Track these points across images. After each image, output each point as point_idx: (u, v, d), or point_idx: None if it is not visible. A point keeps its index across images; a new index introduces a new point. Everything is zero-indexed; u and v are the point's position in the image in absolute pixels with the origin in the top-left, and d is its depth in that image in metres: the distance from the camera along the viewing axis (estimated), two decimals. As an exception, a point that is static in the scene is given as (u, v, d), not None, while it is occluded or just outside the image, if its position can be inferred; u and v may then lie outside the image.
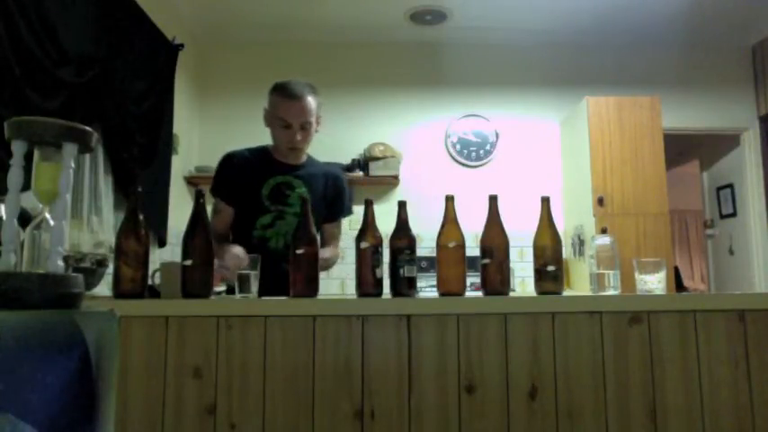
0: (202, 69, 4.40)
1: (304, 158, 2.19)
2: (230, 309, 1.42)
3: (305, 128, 2.05)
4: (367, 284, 1.50)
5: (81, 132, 0.89)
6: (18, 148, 0.87)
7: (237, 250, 1.84)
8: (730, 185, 4.71)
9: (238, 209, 2.12)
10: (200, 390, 1.38)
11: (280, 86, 2.06)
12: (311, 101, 2.05)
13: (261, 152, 2.17)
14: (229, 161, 2.15)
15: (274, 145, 2.16)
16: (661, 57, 4.50)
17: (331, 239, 2.24)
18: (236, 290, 1.57)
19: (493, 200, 1.56)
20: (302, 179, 2.14)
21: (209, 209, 1.51)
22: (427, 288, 3.19)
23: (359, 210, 1.74)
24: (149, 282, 1.49)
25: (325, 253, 2.08)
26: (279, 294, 1.57)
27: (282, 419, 1.38)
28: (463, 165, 4.44)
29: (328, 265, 2.17)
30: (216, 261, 1.53)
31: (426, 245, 3.17)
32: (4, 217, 0.89)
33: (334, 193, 2.21)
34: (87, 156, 2.87)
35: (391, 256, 1.51)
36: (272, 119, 2.09)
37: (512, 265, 1.58)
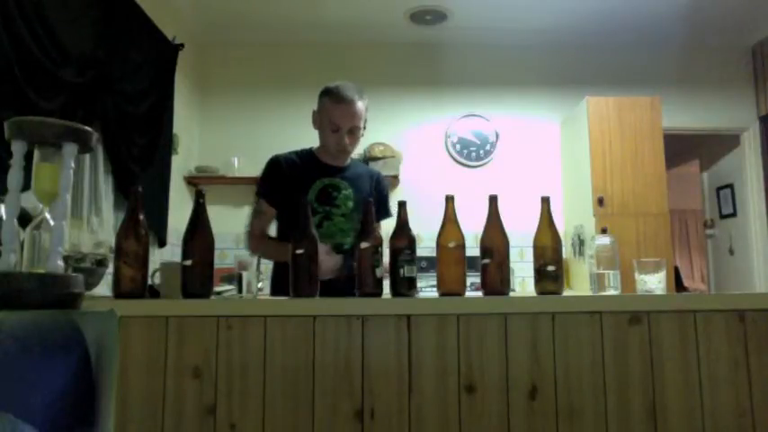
0: (202, 69, 4.40)
1: (348, 160, 2.23)
2: (230, 309, 1.42)
3: (353, 132, 2.12)
4: (367, 284, 1.50)
5: (81, 132, 0.89)
6: (18, 148, 0.88)
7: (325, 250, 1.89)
8: (730, 185, 4.71)
9: (284, 211, 2.15)
10: (200, 390, 1.38)
11: (330, 90, 2.11)
12: (360, 105, 2.10)
13: (307, 155, 2.22)
14: (277, 164, 2.18)
15: (321, 147, 2.21)
16: (661, 57, 4.50)
17: None
18: (237, 289, 1.57)
19: (493, 200, 1.56)
20: (348, 180, 2.19)
21: (209, 209, 1.51)
22: (427, 288, 3.19)
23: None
24: (149, 282, 1.49)
25: None
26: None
27: (282, 419, 1.38)
28: (463, 165, 4.44)
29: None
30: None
31: (426, 245, 3.17)
32: (4, 217, 0.89)
33: (378, 194, 2.25)
34: (87, 156, 2.87)
35: (391, 256, 1.51)
36: (321, 121, 2.14)
37: (512, 265, 1.58)
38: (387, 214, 2.26)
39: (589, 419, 1.40)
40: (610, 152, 3.89)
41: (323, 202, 2.13)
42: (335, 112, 2.08)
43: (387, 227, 1.51)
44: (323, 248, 1.89)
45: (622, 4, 3.97)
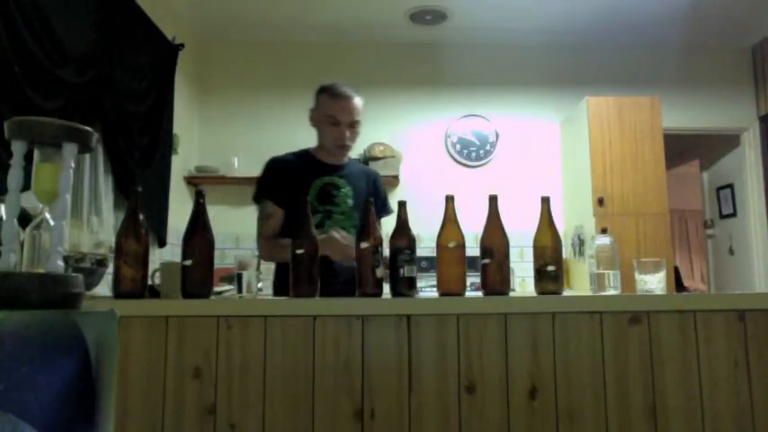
0: (202, 69, 4.40)
1: (346, 159, 2.23)
2: (230, 309, 1.42)
3: (353, 126, 2.13)
4: (367, 284, 1.50)
5: (81, 132, 0.89)
6: (18, 148, 0.87)
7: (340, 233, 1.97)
8: (730, 185, 4.71)
9: (286, 212, 2.13)
10: (200, 390, 1.38)
11: (328, 87, 2.14)
12: (358, 101, 2.14)
13: (304, 155, 2.22)
14: (275, 165, 2.19)
15: (318, 145, 2.21)
16: (661, 57, 4.49)
17: None
18: (237, 289, 1.57)
19: (493, 200, 1.56)
20: (346, 178, 2.19)
21: (209, 209, 1.51)
22: (427, 288, 3.19)
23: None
24: (149, 282, 1.49)
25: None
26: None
27: (282, 419, 1.38)
28: (463, 165, 4.44)
29: None
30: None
31: (426, 245, 3.17)
32: (4, 217, 0.89)
33: (376, 193, 2.26)
34: (87, 156, 2.87)
35: (391, 256, 1.51)
36: (320, 118, 2.15)
37: (512, 265, 1.58)
38: (387, 212, 2.27)
39: (589, 419, 1.40)
40: (610, 152, 3.89)
41: (323, 201, 2.13)
42: (335, 107, 2.10)
43: (387, 228, 1.51)
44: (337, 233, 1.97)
45: (622, 4, 3.97)
